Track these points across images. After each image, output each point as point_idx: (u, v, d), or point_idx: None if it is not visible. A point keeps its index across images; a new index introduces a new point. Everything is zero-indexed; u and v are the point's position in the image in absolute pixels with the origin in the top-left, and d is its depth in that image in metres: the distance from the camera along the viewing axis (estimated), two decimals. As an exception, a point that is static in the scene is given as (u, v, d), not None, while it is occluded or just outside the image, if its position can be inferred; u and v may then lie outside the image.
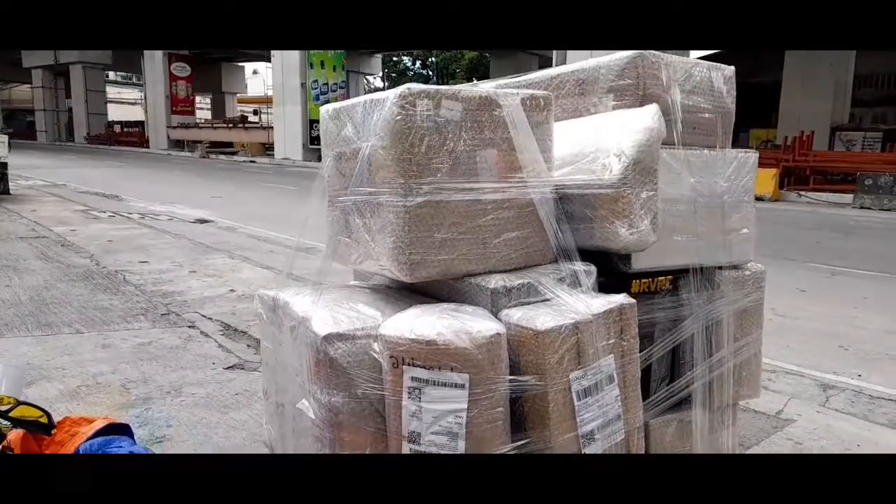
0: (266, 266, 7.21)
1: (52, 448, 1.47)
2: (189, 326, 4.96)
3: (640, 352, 1.45)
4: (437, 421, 1.22)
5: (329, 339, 1.33)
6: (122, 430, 1.60)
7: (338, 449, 1.34)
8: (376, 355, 1.32)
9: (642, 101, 1.68)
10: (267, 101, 40.60)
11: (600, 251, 1.58)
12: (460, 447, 1.22)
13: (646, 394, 1.55)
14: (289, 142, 29.45)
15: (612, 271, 1.59)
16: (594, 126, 1.76)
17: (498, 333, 1.24)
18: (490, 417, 1.23)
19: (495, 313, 1.36)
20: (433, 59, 46.18)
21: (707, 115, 1.82)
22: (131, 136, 42.15)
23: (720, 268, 1.73)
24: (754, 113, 18.48)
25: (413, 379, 1.24)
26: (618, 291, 1.50)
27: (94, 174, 19.74)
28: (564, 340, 1.26)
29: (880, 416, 3.38)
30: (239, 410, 3.58)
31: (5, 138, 13.59)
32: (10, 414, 1.27)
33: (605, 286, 1.54)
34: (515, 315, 1.33)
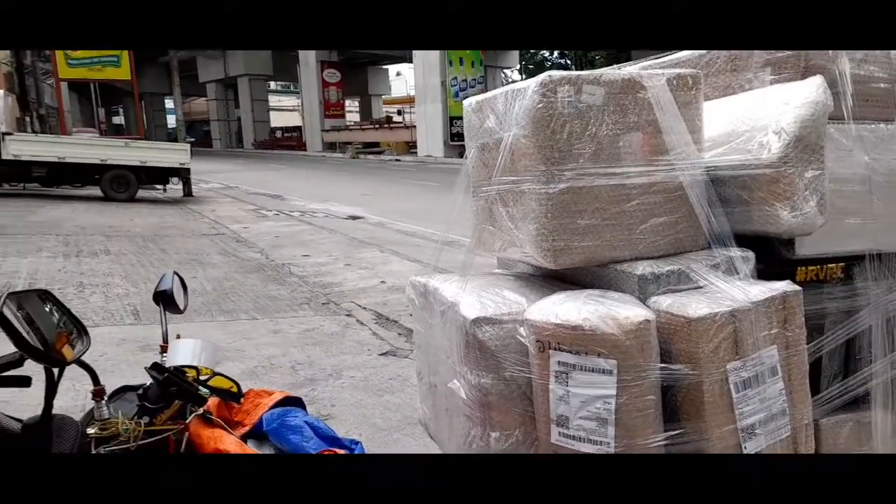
0: (413, 259, 7.55)
1: (240, 415, 1.66)
2: (346, 315, 5.36)
3: (807, 344, 1.34)
4: (586, 406, 1.24)
5: (477, 322, 1.39)
6: (296, 402, 1.77)
7: (488, 428, 1.40)
8: (523, 339, 1.36)
9: (804, 74, 1.55)
10: (409, 100, 42.19)
11: (759, 237, 1.49)
12: (610, 433, 1.22)
13: (815, 390, 1.44)
14: (430, 139, 30.38)
15: (774, 258, 1.48)
16: (749, 103, 1.65)
17: (647, 320, 1.23)
18: (641, 405, 1.21)
19: (643, 300, 1.34)
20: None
21: (882, 86, 1.63)
22: (290, 141, 45.93)
23: (904, 254, 1.55)
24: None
25: (560, 363, 1.26)
26: (780, 279, 1.40)
27: (261, 177, 21.80)
28: (720, 329, 1.21)
29: None
30: (393, 394, 3.82)
31: (188, 147, 15.47)
32: (209, 383, 1.46)
33: (765, 274, 1.44)
34: (665, 302, 1.30)
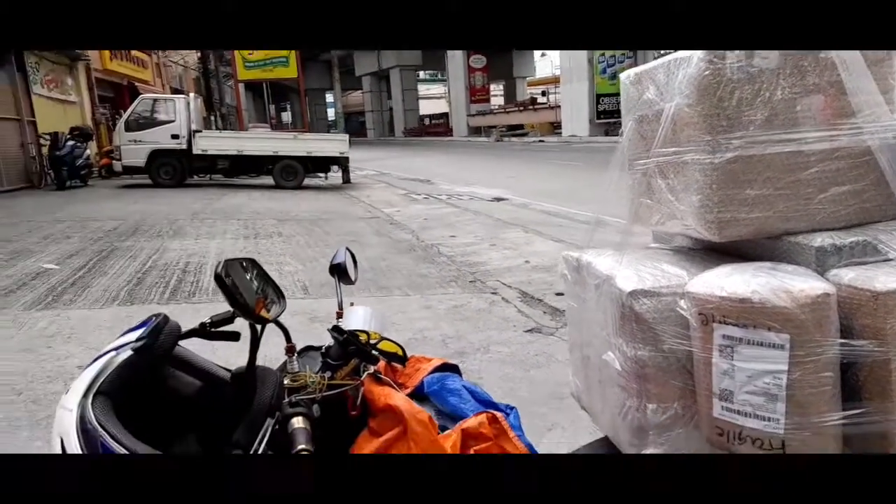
0: (557, 239, 7.51)
1: (402, 378, 1.79)
2: (492, 293, 5.49)
3: None
4: (752, 381, 1.19)
5: (634, 294, 1.38)
6: (454, 368, 1.87)
7: (644, 400, 1.39)
8: (683, 312, 1.33)
9: None
10: (555, 80, 41.44)
11: (966, 204, 1.32)
12: (779, 409, 1.17)
13: None
14: (575, 119, 29.66)
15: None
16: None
17: (826, 293, 1.14)
18: (816, 382, 1.14)
19: (821, 274, 1.25)
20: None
21: None
22: (437, 127, 47.28)
23: None
24: None
25: (724, 337, 1.22)
26: None
27: (411, 163, 22.72)
28: (912, 304, 1.10)
29: None
30: (539, 369, 3.86)
31: (346, 137, 16.56)
32: (378, 346, 1.59)
33: (973, 246, 1.28)
34: (848, 275, 1.20)
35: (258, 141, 16.30)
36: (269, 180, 15.82)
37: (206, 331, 1.33)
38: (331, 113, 60.66)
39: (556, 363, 3.89)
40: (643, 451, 1.42)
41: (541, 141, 30.24)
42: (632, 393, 1.42)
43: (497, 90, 53.01)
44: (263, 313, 1.31)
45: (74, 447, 1.04)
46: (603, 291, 1.55)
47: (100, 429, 1.05)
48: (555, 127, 32.84)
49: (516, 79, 51.70)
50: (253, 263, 1.38)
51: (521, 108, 38.58)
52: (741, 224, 1.39)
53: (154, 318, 1.27)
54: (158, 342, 1.22)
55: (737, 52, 1.37)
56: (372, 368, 1.63)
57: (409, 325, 4.84)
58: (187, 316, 4.90)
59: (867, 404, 1.15)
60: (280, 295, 1.43)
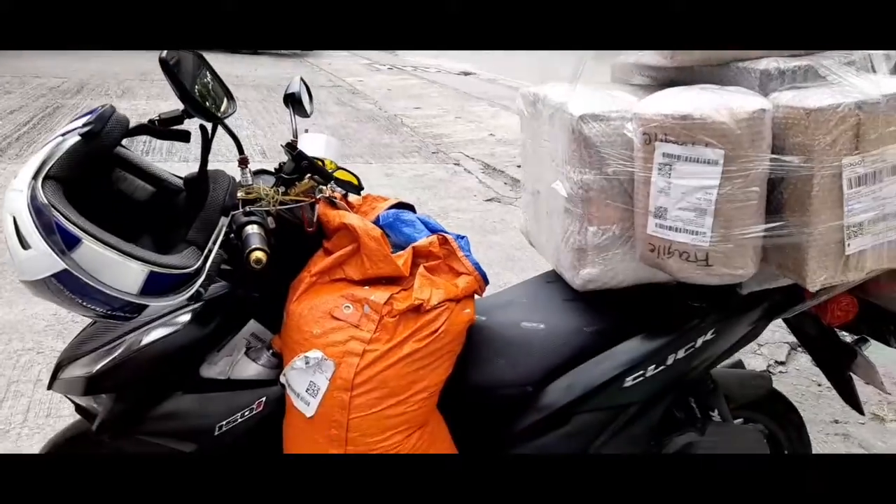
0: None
1: (359, 213, 1.82)
2: (454, 164, 5.48)
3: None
4: (686, 197, 1.25)
5: (584, 118, 1.40)
6: (409, 207, 1.91)
7: (586, 223, 1.46)
8: (629, 134, 1.37)
9: None
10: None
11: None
12: (707, 224, 1.24)
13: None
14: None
15: (923, 59, 1.35)
16: None
17: (762, 109, 1.19)
18: (743, 196, 1.21)
19: (765, 96, 1.28)
20: None
21: None
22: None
23: None
24: None
25: (664, 155, 1.27)
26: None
27: (375, 34, 21.57)
28: (842, 121, 1.15)
29: None
30: (496, 234, 3.97)
31: None
32: (334, 174, 1.59)
33: (910, 76, 1.32)
34: (786, 95, 1.24)
35: None
36: (223, 45, 14.91)
37: (154, 128, 1.31)
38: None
39: (512, 230, 4.00)
40: (582, 272, 1.50)
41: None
42: (575, 217, 1.49)
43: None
44: (214, 109, 1.28)
45: (28, 224, 1.05)
46: (556, 119, 1.57)
47: (52, 208, 1.06)
48: None
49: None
50: (202, 60, 1.33)
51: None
52: (693, 52, 1.41)
53: (101, 107, 1.24)
54: (106, 129, 1.20)
55: None
56: (328, 192, 1.65)
57: (370, 192, 4.82)
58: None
59: (787, 218, 1.23)
60: (230, 96, 1.40)
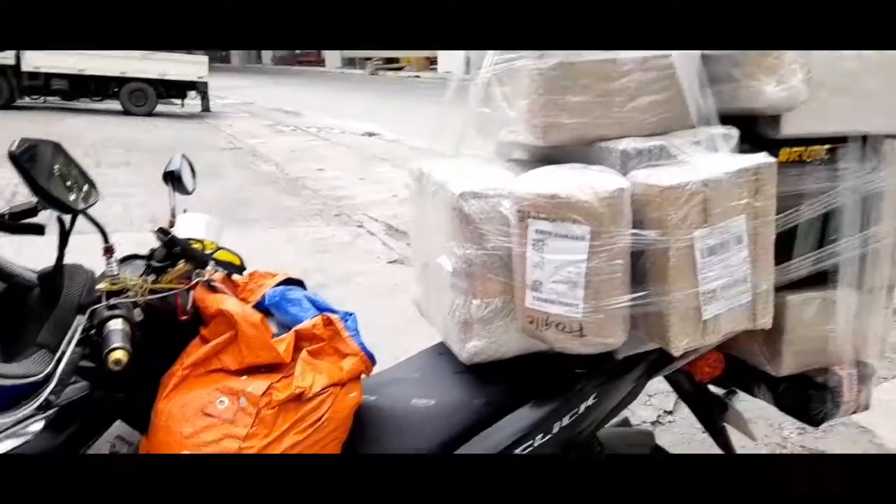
0: (426, 173, 7.58)
1: (244, 293, 1.75)
2: (358, 226, 5.47)
3: (779, 216, 1.38)
4: (558, 271, 1.30)
5: (464, 196, 1.44)
6: (298, 283, 1.86)
7: (470, 297, 1.48)
8: (505, 211, 1.41)
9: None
10: (431, 16, 40.50)
11: (745, 115, 1.49)
12: (579, 296, 1.30)
13: (786, 262, 1.50)
14: (451, 54, 29.53)
15: (758, 137, 1.50)
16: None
17: (621, 188, 1.27)
18: (609, 269, 1.28)
19: (624, 174, 1.37)
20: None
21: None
22: (309, 57, 44.95)
23: (890, 136, 1.55)
24: None
25: (537, 231, 1.32)
26: (762, 156, 1.42)
27: (278, 93, 21.54)
28: (690, 197, 1.25)
29: None
30: (399, 297, 3.95)
31: (205, 59, 15.25)
32: (214, 256, 1.53)
33: (748, 153, 1.46)
34: (642, 174, 1.33)
35: (102, 59, 14.53)
36: (116, 105, 14.30)
37: (3, 222, 1.21)
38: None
39: (416, 290, 3.99)
40: (468, 344, 1.52)
41: (416, 76, 29.88)
42: (460, 292, 1.51)
43: (372, 22, 51.14)
44: (72, 202, 1.20)
45: None
46: (439, 196, 1.60)
47: None
48: (431, 62, 32.52)
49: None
50: (57, 148, 1.26)
51: (397, 43, 37.66)
52: (562, 129, 1.49)
53: None
54: None
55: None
56: (206, 276, 1.58)
57: (270, 258, 4.71)
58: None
59: (649, 288, 1.31)
60: (91, 184, 1.33)
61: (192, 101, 14.92)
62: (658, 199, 1.27)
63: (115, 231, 5.15)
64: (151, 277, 1.39)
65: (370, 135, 11.40)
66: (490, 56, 1.67)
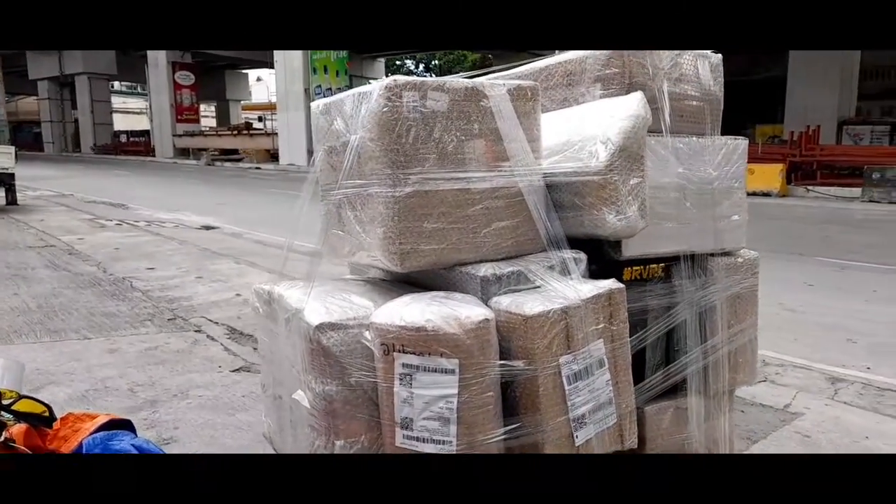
0: (271, 270, 7.25)
1: (55, 443, 1.49)
2: (196, 331, 5.00)
3: (631, 337, 1.46)
4: (429, 406, 1.24)
5: (321, 328, 1.35)
6: (124, 425, 1.62)
7: (332, 437, 1.36)
8: (368, 343, 1.34)
9: (629, 90, 1.70)
10: (271, 107, 40.78)
11: (591, 239, 1.59)
12: (452, 432, 1.24)
13: (640, 379, 1.56)
14: (293, 147, 29.57)
15: (604, 259, 1.60)
16: (581, 115, 1.78)
17: (486, 319, 1.26)
18: (481, 402, 1.24)
19: (485, 301, 1.37)
20: (436, 62, 46.30)
21: (695, 103, 1.83)
22: (137, 146, 42.40)
23: (712, 254, 1.74)
24: (760, 109, 18.33)
25: (404, 365, 1.26)
26: (609, 278, 1.51)
27: (101, 184, 19.86)
28: (553, 325, 1.27)
29: (889, 407, 3.37)
30: (246, 412, 3.60)
31: (12, 149, 13.72)
32: (13, 407, 1.29)
33: (596, 274, 1.55)
34: (505, 301, 1.34)
35: None
36: None
37: None
38: (-6, 119, 50.05)
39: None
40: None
41: (257, 168, 29.35)
42: (321, 431, 1.38)
43: (208, 111, 50.09)
44: None
45: None
46: (293, 325, 1.49)
47: None
48: (272, 154, 32.23)
49: (230, 101, 49.53)
50: None
51: (236, 133, 36.98)
52: (420, 255, 1.47)
53: None
54: None
55: (411, 92, 1.46)
56: (5, 433, 1.31)
57: (87, 374, 4.12)
58: None
59: (522, 419, 1.29)
60: None
61: (-5, 194, 13.22)
62: (522, 327, 1.28)
63: None
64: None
65: (208, 228, 10.78)
66: (342, 177, 1.64)
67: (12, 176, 13.15)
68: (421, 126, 1.47)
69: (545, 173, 1.65)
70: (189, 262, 7.75)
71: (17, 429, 1.36)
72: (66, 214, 12.54)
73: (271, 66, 33.92)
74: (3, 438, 1.29)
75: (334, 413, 1.35)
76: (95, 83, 42.54)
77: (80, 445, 1.47)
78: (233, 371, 4.19)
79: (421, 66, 48.76)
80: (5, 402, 1.32)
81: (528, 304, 1.30)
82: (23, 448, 1.32)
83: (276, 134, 31.79)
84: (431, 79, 1.57)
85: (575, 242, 1.56)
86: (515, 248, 1.57)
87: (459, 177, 1.52)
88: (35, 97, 47.72)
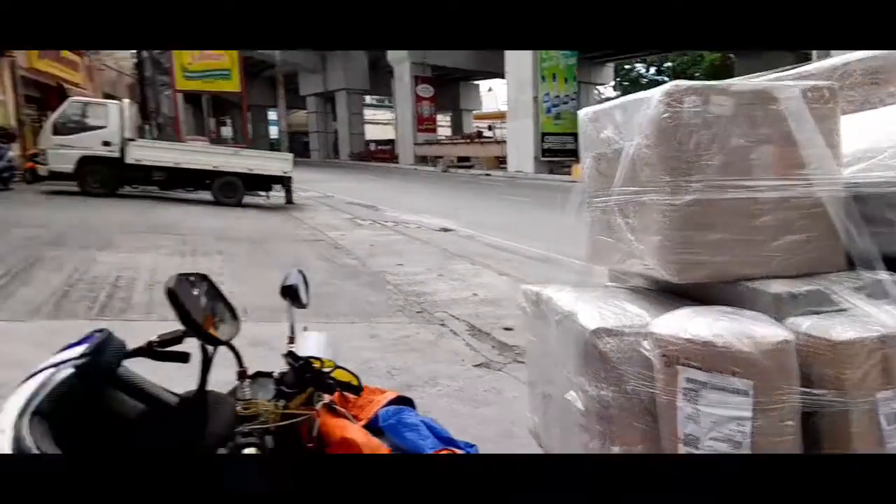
0: (503, 273, 7.56)
1: (355, 410, 1.73)
2: (440, 325, 5.44)
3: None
4: (717, 427, 1.20)
5: (598, 333, 1.38)
6: (408, 402, 1.82)
7: (608, 442, 1.39)
8: (646, 352, 1.34)
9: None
10: (500, 116, 42.33)
11: (911, 260, 1.39)
12: (742, 456, 1.18)
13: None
14: (521, 155, 30.32)
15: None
16: (892, 118, 1.56)
17: (786, 340, 1.18)
18: (779, 430, 1.16)
19: (779, 321, 1.28)
20: (669, 63, 43.72)
21: None
22: (384, 153, 47.23)
23: None
24: None
25: (688, 380, 1.23)
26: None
27: (355, 187, 22.53)
28: (869, 355, 1.14)
29: None
30: (489, 406, 3.82)
31: (290, 157, 16.25)
32: (332, 375, 1.53)
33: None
34: (805, 323, 1.24)
35: (197, 154, 15.73)
36: (207, 195, 15.28)
37: (152, 350, 1.25)
38: (273, 131, 59.82)
39: (505, 400, 3.87)
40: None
41: (487, 175, 30.70)
42: (594, 434, 1.41)
43: (444, 121, 53.70)
44: (216, 333, 1.23)
45: None
46: (565, 327, 1.55)
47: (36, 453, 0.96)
48: (500, 162, 33.46)
49: (462, 111, 52.58)
50: (204, 279, 1.30)
51: (468, 141, 39.19)
52: (701, 267, 1.43)
53: (97, 334, 1.17)
54: (102, 360, 1.13)
55: (693, 97, 1.42)
56: (326, 398, 1.56)
57: (354, 354, 4.72)
58: (119, 335, 4.60)
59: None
60: (234, 315, 1.36)
61: (277, 194, 15.79)
62: (829, 354, 1.17)
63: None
64: (282, 403, 1.38)
65: (445, 230, 11.60)
66: (614, 184, 1.66)
67: (290, 179, 15.59)
68: (703, 132, 1.42)
69: (849, 183, 1.48)
70: (431, 260, 8.43)
71: (335, 395, 1.60)
72: (330, 213, 14.49)
73: (503, 76, 35.24)
74: (328, 401, 1.54)
75: (610, 419, 1.38)
76: (351, 97, 48.37)
77: (376, 415, 1.69)
78: (475, 366, 4.47)
79: (652, 70, 46.49)
80: (326, 369, 1.57)
81: (836, 329, 1.18)
82: (342, 410, 1.56)
83: (505, 142, 32.91)
84: (714, 83, 1.52)
85: (889, 263, 1.38)
86: (809, 265, 1.44)
87: (746, 185, 1.44)
88: (304, 111, 55.87)
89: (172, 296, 1.13)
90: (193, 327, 1.17)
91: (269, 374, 1.52)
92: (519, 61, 29.82)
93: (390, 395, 1.81)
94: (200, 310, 1.22)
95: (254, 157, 16.19)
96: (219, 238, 9.58)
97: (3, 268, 6.39)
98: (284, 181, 15.51)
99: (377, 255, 8.69)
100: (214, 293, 1.32)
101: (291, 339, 1.65)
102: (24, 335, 4.42)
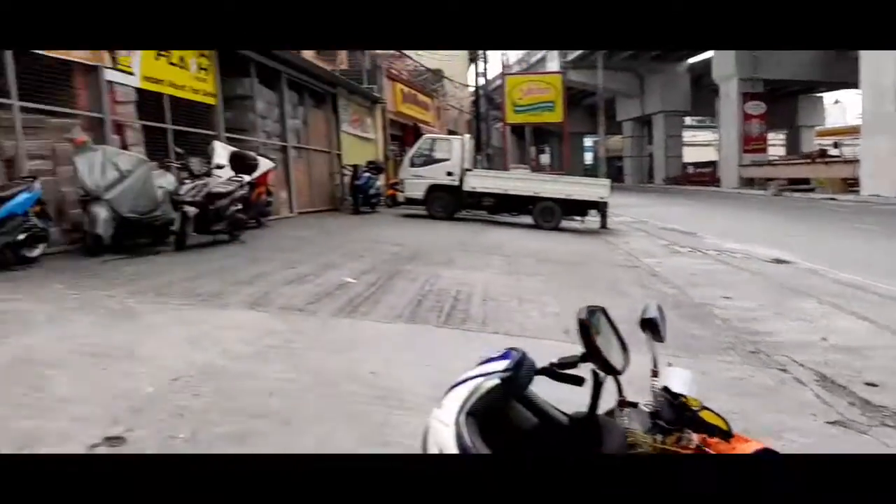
0: (863, 317, 6.38)
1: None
2: (780, 369, 4.86)
3: None
4: None
5: None
6: (772, 454, 1.66)
7: None
8: None
9: None
10: (851, 131, 36.16)
11: None
12: None
13: None
14: (879, 176, 25.28)
15: None
16: None
17: None
18: None
19: None
20: None
21: None
22: (702, 176, 44.36)
23: None
24: None
25: None
26: None
27: (670, 212, 21.60)
28: None
29: None
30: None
31: (608, 182, 16.43)
32: (700, 414, 1.49)
33: None
34: None
35: (521, 181, 17.09)
36: (527, 219, 16.40)
37: (554, 372, 1.39)
38: (587, 156, 61.16)
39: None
40: None
41: (831, 199, 26.39)
42: None
43: (776, 139, 48.03)
44: (614, 364, 1.32)
45: None
46: None
47: (474, 449, 1.16)
48: (849, 184, 28.43)
49: (801, 127, 46.31)
50: (603, 312, 1.41)
51: (808, 161, 34.24)
52: None
53: (515, 353, 1.37)
54: (521, 375, 1.32)
55: None
56: (695, 438, 1.53)
57: (702, 394, 4.51)
58: (459, 343, 5.24)
59: None
60: (624, 347, 1.44)
61: (591, 218, 16.10)
62: None
63: (533, 337, 5.62)
64: (659, 437, 1.40)
65: (779, 262, 10.33)
66: None
67: (606, 204, 15.77)
68: None
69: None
70: (765, 295, 7.59)
71: (701, 437, 1.54)
72: (645, 239, 14.18)
73: (852, 85, 29.88)
74: (696, 443, 1.49)
75: None
76: (669, 119, 46.70)
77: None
78: (828, 423, 3.87)
79: None
80: (694, 408, 1.52)
81: None
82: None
83: (857, 161, 27.84)
84: None
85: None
86: None
87: None
88: (619, 136, 55.90)
89: (583, 326, 1.26)
90: (595, 355, 1.28)
91: (632, 404, 1.56)
92: (878, 67, 25.00)
93: (756, 446, 1.68)
94: (603, 340, 1.33)
95: (573, 183, 16.84)
96: (539, 260, 10.16)
97: (374, 276, 7.80)
98: (600, 206, 15.76)
99: (699, 286, 8.17)
100: (610, 325, 1.42)
101: (655, 373, 1.67)
102: (387, 335, 5.31)
